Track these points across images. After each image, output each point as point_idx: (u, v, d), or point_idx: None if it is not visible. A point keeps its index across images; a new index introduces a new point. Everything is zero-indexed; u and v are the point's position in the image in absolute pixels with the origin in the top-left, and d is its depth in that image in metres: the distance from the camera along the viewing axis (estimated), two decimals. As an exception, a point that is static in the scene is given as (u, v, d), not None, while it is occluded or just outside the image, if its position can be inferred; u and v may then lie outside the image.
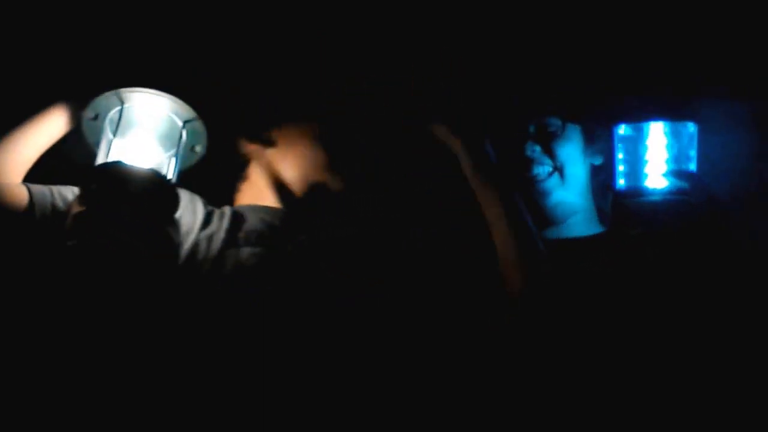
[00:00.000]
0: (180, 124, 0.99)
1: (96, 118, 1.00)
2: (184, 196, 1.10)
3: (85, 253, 0.87)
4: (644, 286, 1.13)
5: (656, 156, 1.19)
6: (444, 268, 1.10)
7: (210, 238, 1.07)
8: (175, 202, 0.95)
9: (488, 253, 1.08)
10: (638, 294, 1.12)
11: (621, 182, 1.23)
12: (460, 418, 0.99)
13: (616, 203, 1.30)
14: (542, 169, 1.28)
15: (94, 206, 0.88)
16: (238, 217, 1.12)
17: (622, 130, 1.22)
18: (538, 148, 1.27)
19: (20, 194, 1.00)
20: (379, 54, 1.36)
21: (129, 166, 0.92)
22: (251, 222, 1.11)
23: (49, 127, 1.06)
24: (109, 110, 0.99)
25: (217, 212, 1.13)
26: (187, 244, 1.05)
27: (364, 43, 1.40)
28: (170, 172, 0.99)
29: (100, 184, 0.90)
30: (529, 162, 1.27)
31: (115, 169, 0.92)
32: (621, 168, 1.22)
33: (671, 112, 1.20)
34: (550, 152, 1.28)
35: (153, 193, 0.91)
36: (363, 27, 1.42)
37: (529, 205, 1.15)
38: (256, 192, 1.18)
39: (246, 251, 1.05)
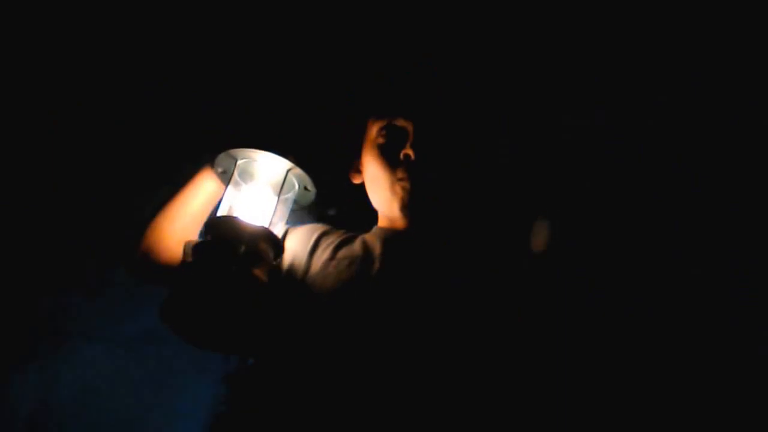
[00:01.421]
0: (284, 172, 1.10)
1: (225, 172, 1.13)
2: (299, 230, 1.22)
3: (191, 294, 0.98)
4: None
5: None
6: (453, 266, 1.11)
7: (311, 259, 1.16)
8: (278, 252, 1.05)
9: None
10: None
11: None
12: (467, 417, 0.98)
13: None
14: None
15: (204, 257, 0.98)
16: (344, 239, 1.19)
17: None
18: None
19: (177, 254, 1.07)
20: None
21: (240, 221, 1.02)
22: (354, 242, 1.18)
23: (203, 192, 1.18)
24: (229, 166, 1.12)
25: (331, 236, 1.21)
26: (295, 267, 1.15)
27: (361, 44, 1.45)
28: (280, 215, 1.10)
29: (214, 236, 1.01)
30: None
31: (228, 222, 1.02)
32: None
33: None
34: None
35: (260, 247, 1.00)
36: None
37: None
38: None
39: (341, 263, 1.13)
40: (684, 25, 1.40)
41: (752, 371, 1.16)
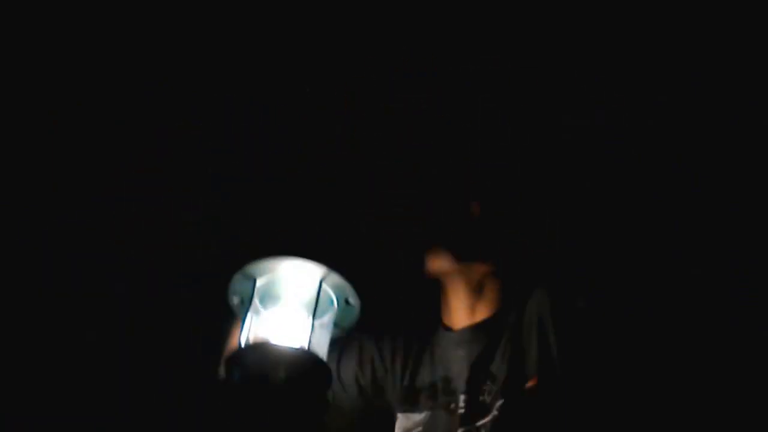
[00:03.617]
0: (317, 283, 0.87)
1: (243, 302, 0.90)
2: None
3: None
4: None
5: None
6: None
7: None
8: (325, 379, 0.84)
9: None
10: None
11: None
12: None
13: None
14: None
15: (240, 395, 0.80)
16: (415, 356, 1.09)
17: None
18: None
19: None
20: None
21: (271, 346, 0.81)
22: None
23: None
24: (247, 291, 0.88)
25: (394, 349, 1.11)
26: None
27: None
28: (318, 336, 0.87)
29: (244, 370, 0.81)
30: None
31: (256, 352, 0.82)
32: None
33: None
34: None
35: (301, 373, 0.81)
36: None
37: None
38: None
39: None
40: (684, 25, 1.40)
41: (752, 371, 1.16)
